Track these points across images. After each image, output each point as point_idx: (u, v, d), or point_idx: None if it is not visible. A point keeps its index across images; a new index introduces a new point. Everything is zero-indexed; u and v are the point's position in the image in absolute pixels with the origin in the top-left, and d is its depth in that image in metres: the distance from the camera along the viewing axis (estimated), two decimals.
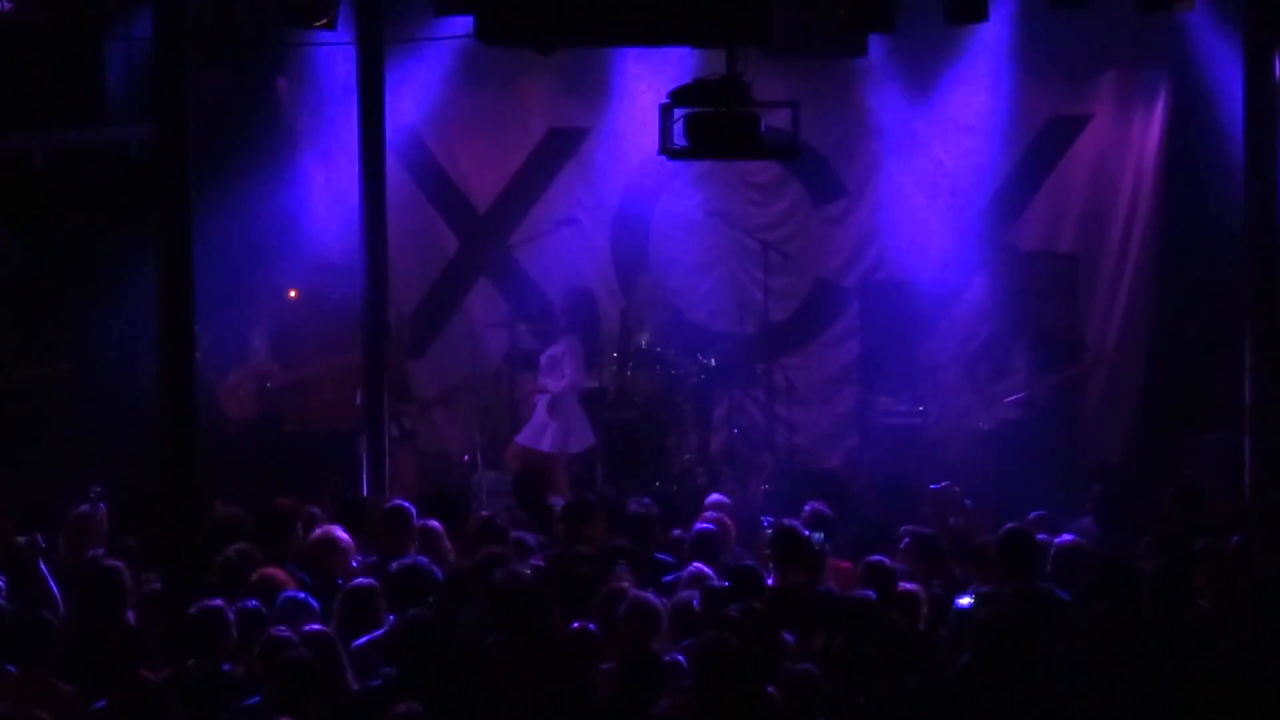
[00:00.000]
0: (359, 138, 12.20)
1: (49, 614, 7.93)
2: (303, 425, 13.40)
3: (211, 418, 12.34)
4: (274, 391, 12.82)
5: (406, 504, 9.74)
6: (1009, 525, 8.91)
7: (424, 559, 8.55)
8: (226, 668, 7.56)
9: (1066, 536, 9.18)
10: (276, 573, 8.52)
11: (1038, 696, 7.12)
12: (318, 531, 9.22)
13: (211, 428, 12.20)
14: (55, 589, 8.61)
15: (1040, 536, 9.02)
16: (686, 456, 13.71)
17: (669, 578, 8.96)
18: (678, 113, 10.59)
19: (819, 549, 8.99)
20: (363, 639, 7.86)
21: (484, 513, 10.42)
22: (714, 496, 10.63)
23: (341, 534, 9.14)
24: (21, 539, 8.99)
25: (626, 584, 8.29)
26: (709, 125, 10.51)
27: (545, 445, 13.08)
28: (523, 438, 13.21)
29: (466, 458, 13.59)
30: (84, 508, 9.63)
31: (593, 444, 13.27)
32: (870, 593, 8.17)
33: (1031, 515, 9.87)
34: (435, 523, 9.54)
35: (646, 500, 10.22)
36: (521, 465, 12.66)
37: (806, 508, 9.94)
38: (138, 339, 12.32)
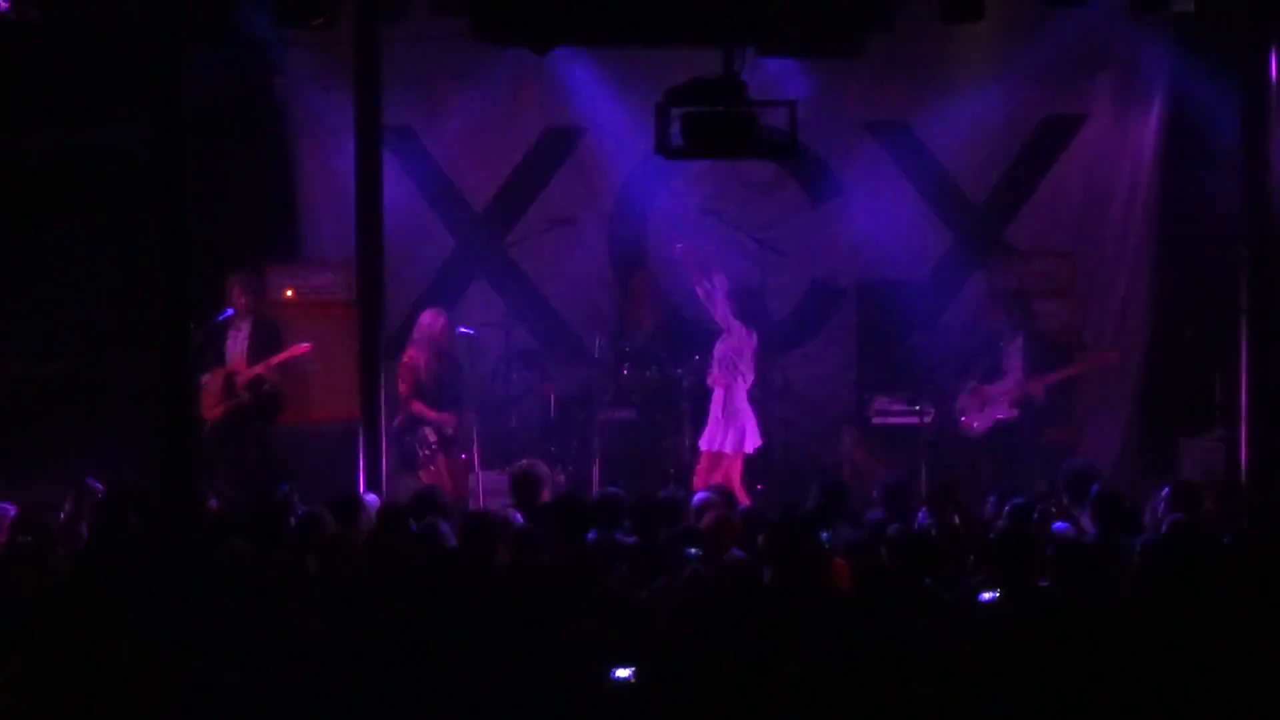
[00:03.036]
0: (355, 137, 12.18)
1: None
2: (298, 419, 13.35)
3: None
4: (240, 390, 12.76)
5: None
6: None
7: None
8: None
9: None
10: None
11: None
12: None
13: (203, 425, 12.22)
14: None
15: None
16: (683, 456, 13.68)
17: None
18: (675, 112, 10.58)
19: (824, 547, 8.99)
20: None
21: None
22: None
23: None
24: None
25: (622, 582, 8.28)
26: (706, 124, 10.50)
27: (729, 446, 12.92)
28: (705, 443, 13.03)
29: (464, 456, 13.57)
30: None
31: (761, 444, 13.07)
32: None
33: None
34: None
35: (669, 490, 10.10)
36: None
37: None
38: (130, 338, 12.33)
